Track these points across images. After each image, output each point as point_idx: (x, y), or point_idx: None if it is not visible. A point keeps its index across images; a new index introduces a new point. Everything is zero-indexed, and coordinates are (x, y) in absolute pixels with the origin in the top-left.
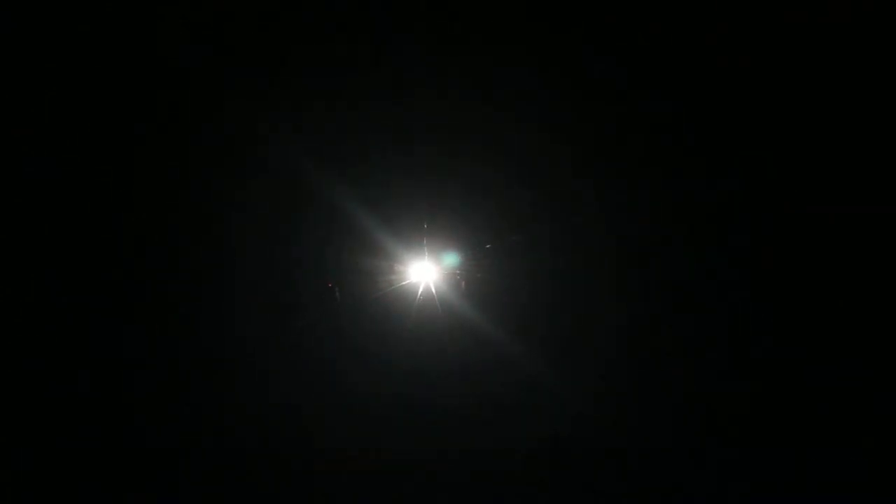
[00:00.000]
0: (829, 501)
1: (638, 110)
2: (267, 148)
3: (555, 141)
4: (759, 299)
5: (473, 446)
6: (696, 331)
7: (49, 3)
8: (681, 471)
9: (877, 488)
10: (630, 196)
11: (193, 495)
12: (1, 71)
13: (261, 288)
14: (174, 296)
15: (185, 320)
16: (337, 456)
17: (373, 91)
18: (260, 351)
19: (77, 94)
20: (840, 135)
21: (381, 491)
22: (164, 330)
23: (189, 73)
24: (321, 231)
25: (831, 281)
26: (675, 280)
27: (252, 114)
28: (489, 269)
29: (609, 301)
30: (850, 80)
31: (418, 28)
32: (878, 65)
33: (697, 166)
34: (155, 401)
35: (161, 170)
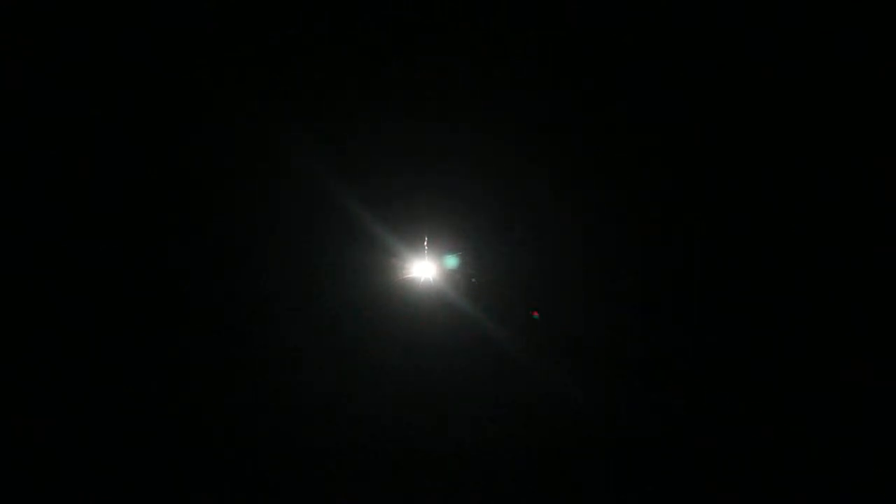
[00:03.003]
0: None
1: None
2: (291, 156)
3: (550, 144)
4: (743, 298)
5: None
6: (685, 327)
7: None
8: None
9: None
10: (613, 198)
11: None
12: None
13: (289, 282)
14: (203, 292)
15: (214, 315)
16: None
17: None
18: (292, 340)
19: (84, 93)
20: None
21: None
22: (193, 327)
23: (204, 77)
24: (340, 233)
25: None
26: (663, 278)
27: (273, 123)
28: (482, 268)
29: (596, 299)
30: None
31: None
32: None
33: (687, 168)
34: (176, 398)
35: (188, 171)
